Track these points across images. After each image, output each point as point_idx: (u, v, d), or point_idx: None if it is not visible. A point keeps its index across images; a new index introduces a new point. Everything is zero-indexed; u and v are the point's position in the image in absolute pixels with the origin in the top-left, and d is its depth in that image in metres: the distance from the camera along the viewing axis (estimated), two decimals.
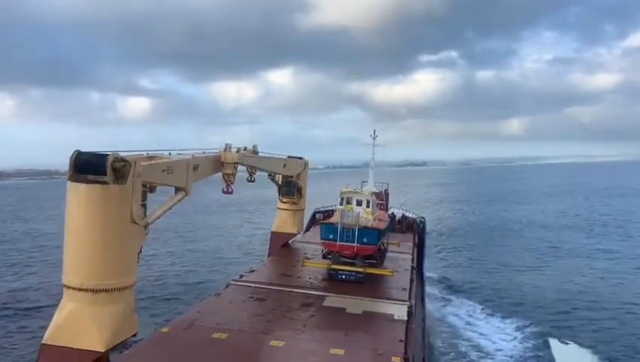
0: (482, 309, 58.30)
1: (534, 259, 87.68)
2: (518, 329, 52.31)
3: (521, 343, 48.65)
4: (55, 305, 21.38)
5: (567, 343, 49.06)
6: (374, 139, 65.16)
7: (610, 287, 69.10)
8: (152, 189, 24.30)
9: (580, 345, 48.78)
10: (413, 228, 64.90)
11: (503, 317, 55.52)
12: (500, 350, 47.34)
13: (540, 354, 46.35)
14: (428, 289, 61.74)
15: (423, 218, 68.95)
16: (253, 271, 40.19)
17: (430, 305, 57.75)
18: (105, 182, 20.42)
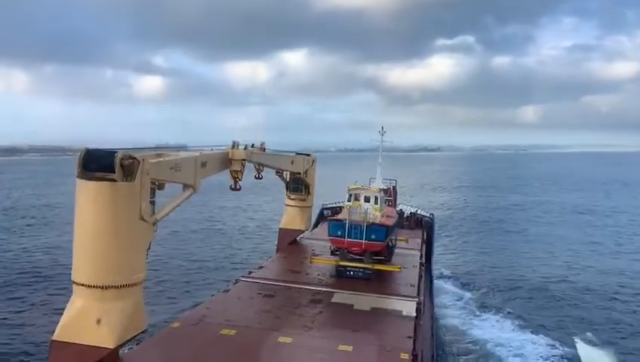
0: (496, 305, 57.87)
1: (549, 252, 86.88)
2: (529, 324, 51.89)
3: (536, 340, 48.24)
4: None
5: (590, 341, 48.61)
6: (382, 135, 64.99)
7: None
8: (160, 186, 24.44)
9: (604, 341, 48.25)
10: (422, 225, 64.75)
11: (513, 314, 55.04)
12: (511, 345, 47.09)
13: (559, 350, 45.97)
14: (437, 283, 61.53)
15: (432, 214, 68.77)
16: (261, 267, 40.30)
17: (439, 301, 57.57)
18: (113, 180, 20.54)
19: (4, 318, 47.59)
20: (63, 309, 21.63)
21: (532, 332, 49.63)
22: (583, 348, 46.65)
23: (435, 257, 64.58)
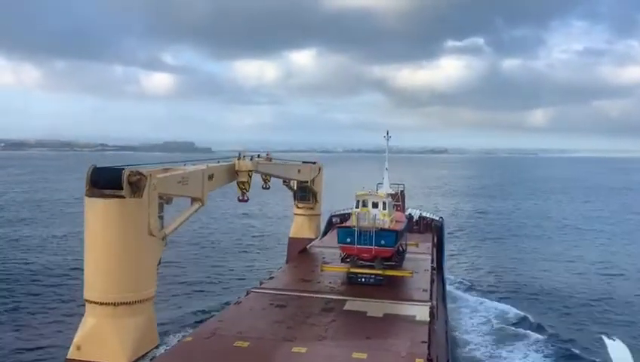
0: (511, 308, 57.05)
1: (563, 256, 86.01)
2: (548, 327, 51.09)
3: (554, 344, 47.51)
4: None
5: (614, 339, 47.77)
6: (388, 140, 64.79)
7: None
8: (168, 201, 24.54)
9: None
10: (432, 228, 64.39)
11: (530, 316, 54.23)
12: (530, 348, 46.48)
13: (582, 352, 45.35)
14: (450, 288, 60.84)
15: (441, 218, 68.39)
16: (272, 277, 40.20)
17: (453, 305, 56.99)
18: (122, 196, 20.65)
19: (19, 327, 47.73)
20: (75, 323, 21.72)
21: (556, 337, 48.79)
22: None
23: (445, 263, 63.91)
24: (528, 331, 49.12)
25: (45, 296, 57.38)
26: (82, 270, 21.56)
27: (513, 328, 50.30)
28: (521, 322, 51.92)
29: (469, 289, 65.19)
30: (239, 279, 64.82)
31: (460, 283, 67.17)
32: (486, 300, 59.75)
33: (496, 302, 58.46)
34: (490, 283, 68.77)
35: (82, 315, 21.84)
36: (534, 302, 60.71)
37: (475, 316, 54.43)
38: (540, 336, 47.99)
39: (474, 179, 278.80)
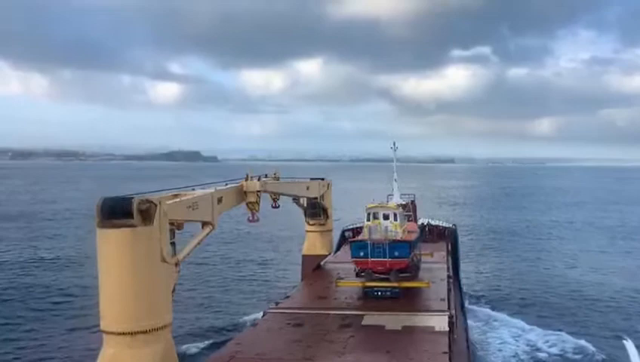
0: (531, 317, 56.21)
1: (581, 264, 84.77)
2: (568, 333, 50.33)
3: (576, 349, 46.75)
4: None
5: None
6: (395, 150, 64.68)
7: None
8: (179, 227, 24.59)
9: None
10: (445, 237, 63.91)
11: (549, 324, 53.43)
12: (552, 354, 45.77)
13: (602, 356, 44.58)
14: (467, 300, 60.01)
15: (454, 225, 67.90)
16: (287, 296, 40.00)
17: (471, 313, 56.26)
18: (133, 225, 20.72)
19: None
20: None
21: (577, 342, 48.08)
22: None
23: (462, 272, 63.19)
24: (551, 346, 48.52)
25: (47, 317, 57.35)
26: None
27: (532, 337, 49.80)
28: (543, 335, 51.26)
29: (483, 301, 64.50)
30: (254, 299, 64.43)
31: (475, 296, 66.35)
32: (501, 314, 58.64)
33: (508, 317, 57.66)
34: (504, 295, 67.93)
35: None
36: (557, 316, 59.70)
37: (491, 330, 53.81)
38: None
39: (485, 190, 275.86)
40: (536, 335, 50.87)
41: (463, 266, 66.25)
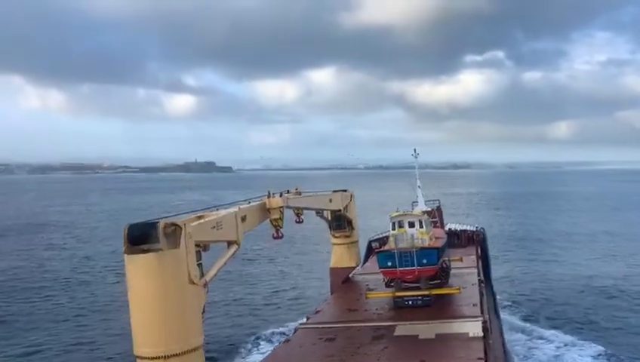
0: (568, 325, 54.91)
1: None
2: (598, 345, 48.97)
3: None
4: None
5: None
6: (416, 157, 64.23)
7: None
8: (205, 248, 24.74)
9: None
10: (474, 241, 62.91)
11: (582, 333, 52.03)
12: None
13: None
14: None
15: (482, 228, 66.83)
16: (318, 311, 39.79)
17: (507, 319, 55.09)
18: (159, 249, 20.93)
19: None
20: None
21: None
22: None
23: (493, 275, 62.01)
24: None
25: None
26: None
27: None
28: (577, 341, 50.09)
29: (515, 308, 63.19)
30: (284, 315, 64.29)
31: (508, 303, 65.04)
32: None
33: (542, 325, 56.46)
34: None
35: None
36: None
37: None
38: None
39: (502, 195, 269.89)
40: (573, 344, 49.67)
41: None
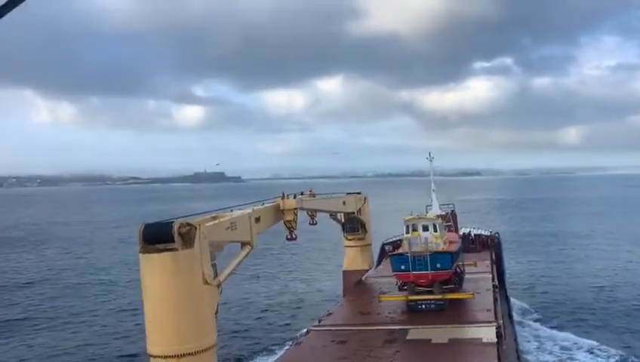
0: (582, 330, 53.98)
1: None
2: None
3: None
4: None
5: None
6: (431, 161, 63.77)
7: None
8: (219, 248, 24.85)
9: None
10: (489, 245, 62.40)
11: (598, 337, 51.13)
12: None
13: None
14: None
15: (497, 233, 66.26)
16: (330, 313, 39.72)
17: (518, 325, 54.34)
18: (174, 249, 21.06)
19: None
20: None
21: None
22: None
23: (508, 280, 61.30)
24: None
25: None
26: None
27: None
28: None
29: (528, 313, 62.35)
30: (296, 317, 64.05)
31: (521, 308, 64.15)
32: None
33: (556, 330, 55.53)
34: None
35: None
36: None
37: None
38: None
39: (515, 202, 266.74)
40: (590, 348, 48.92)
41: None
